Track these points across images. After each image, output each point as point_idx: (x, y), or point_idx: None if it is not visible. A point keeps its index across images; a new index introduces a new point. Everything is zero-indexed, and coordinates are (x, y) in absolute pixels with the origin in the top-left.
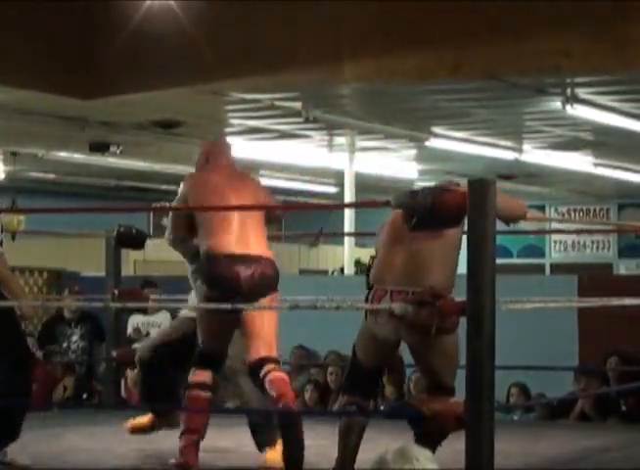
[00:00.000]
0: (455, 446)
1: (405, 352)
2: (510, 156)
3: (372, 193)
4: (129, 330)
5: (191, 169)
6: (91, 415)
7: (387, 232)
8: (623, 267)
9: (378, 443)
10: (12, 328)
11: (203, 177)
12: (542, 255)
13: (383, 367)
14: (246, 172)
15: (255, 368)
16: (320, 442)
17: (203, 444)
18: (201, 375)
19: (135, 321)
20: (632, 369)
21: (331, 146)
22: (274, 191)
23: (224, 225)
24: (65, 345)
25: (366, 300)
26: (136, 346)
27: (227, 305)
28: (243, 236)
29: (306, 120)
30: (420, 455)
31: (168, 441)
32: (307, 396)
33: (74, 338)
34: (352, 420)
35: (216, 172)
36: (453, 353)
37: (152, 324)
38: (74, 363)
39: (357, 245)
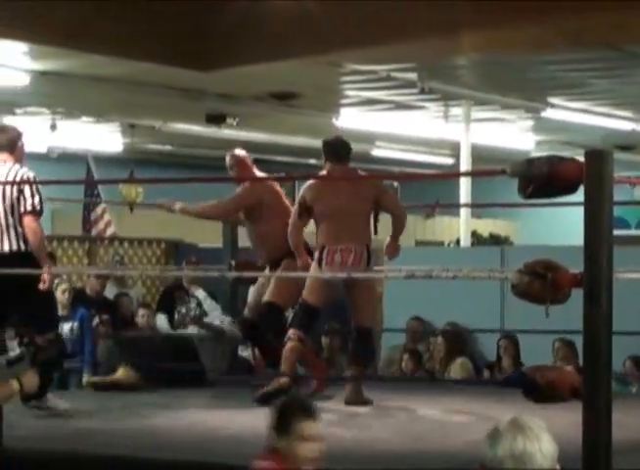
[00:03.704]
0: (571, 416)
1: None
2: (628, 126)
3: (488, 164)
4: (249, 299)
5: (306, 141)
6: (205, 385)
7: None
8: None
9: (494, 413)
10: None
11: None
12: None
13: None
14: None
15: None
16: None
17: None
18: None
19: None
20: None
21: (447, 117)
22: (390, 162)
23: None
24: (183, 310)
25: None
26: None
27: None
28: None
29: (422, 91)
30: (533, 425)
31: None
32: (403, 364)
33: (192, 305)
34: None
35: None
36: None
37: None
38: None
39: (474, 216)
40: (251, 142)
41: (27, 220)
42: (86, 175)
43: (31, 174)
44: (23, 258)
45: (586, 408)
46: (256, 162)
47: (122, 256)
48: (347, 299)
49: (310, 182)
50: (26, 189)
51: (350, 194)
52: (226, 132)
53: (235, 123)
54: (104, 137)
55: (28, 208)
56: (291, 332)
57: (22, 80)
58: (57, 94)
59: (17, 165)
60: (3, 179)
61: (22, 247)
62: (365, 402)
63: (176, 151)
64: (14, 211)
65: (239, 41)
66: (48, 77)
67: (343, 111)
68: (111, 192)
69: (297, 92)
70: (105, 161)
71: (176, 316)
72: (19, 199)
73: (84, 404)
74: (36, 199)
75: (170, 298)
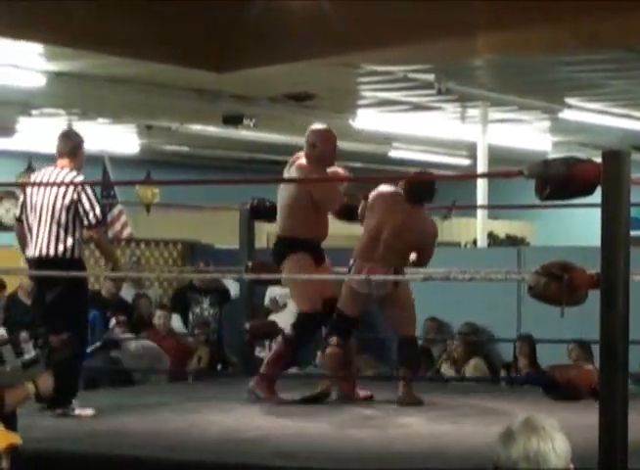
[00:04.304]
0: (587, 417)
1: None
2: None
3: (505, 165)
4: (266, 301)
5: None
6: (225, 386)
7: None
8: None
9: (509, 413)
10: (82, 300)
11: None
12: None
13: None
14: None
15: None
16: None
17: None
18: None
19: (273, 293)
20: None
21: (464, 118)
22: (407, 163)
23: None
24: (197, 310)
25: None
26: (272, 317)
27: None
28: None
29: (439, 92)
30: (546, 424)
31: (301, 412)
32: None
33: (205, 305)
34: None
35: None
36: None
37: (289, 296)
38: (209, 334)
39: (490, 217)
40: (267, 143)
41: (95, 233)
42: (102, 176)
43: (87, 187)
44: (67, 264)
45: (603, 409)
46: (273, 163)
47: (139, 256)
48: (384, 313)
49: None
50: (84, 200)
51: (404, 228)
52: (243, 133)
53: (252, 124)
54: (120, 138)
55: (92, 220)
56: (331, 338)
57: (38, 81)
58: (72, 95)
59: (73, 173)
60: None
61: (62, 253)
62: (418, 403)
63: (193, 152)
64: (62, 217)
65: (255, 42)
66: (63, 78)
67: (360, 112)
68: (127, 193)
69: (314, 93)
70: (121, 162)
71: (190, 317)
72: (73, 208)
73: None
74: (97, 210)
75: (183, 298)
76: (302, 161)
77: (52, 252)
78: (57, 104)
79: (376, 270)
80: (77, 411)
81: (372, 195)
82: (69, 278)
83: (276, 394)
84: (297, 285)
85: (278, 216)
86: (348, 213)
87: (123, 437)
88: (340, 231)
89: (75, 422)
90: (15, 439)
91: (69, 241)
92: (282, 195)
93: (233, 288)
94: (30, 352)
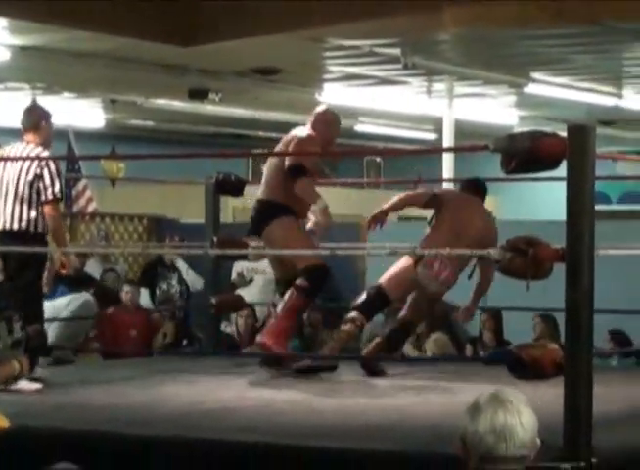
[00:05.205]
0: (554, 391)
1: None
2: (610, 101)
3: (471, 140)
4: (233, 276)
5: (289, 116)
6: (190, 360)
7: None
8: None
9: (475, 388)
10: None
11: None
12: None
13: None
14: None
15: None
16: None
17: None
18: None
19: (239, 267)
20: None
21: (430, 92)
22: (373, 137)
23: None
24: (165, 287)
25: None
26: (239, 292)
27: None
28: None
29: (405, 67)
30: (514, 398)
31: (268, 385)
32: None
33: (173, 282)
34: None
35: None
36: None
37: (256, 270)
38: (175, 310)
39: None
40: (233, 118)
41: (49, 209)
42: (67, 151)
43: (51, 163)
44: (30, 238)
45: (568, 382)
46: (239, 137)
47: (107, 232)
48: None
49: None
50: (46, 175)
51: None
52: (208, 108)
53: (217, 99)
54: (85, 113)
55: (49, 196)
56: (356, 315)
57: (2, 55)
58: (37, 69)
59: (39, 148)
60: (21, 160)
61: (25, 227)
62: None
63: (158, 126)
64: (26, 192)
65: (221, 16)
66: (28, 52)
67: (327, 86)
68: (92, 168)
69: (280, 67)
70: (86, 136)
71: (157, 292)
72: (36, 184)
73: (59, 378)
74: (57, 186)
75: (152, 273)
76: (307, 132)
77: (15, 226)
78: (21, 78)
79: (446, 267)
80: (21, 385)
81: (449, 192)
82: (31, 252)
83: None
84: (298, 242)
85: (264, 182)
86: None
87: (88, 411)
88: None
89: (38, 396)
90: (2, 421)
91: (33, 215)
92: (272, 161)
93: (195, 281)
94: (18, 333)
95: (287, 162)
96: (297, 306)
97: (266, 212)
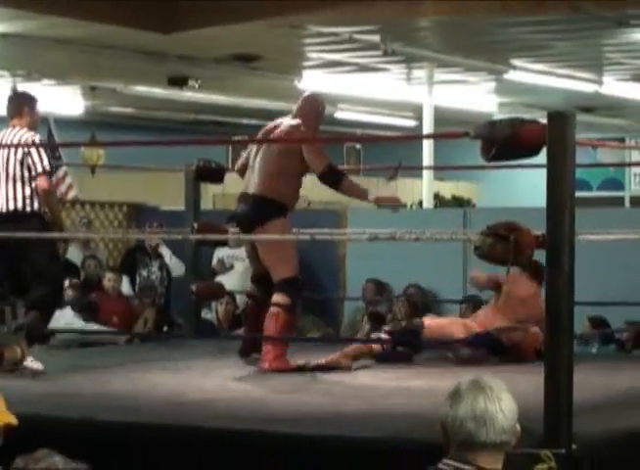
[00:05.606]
0: (534, 378)
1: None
2: (590, 88)
3: (451, 126)
4: (214, 262)
5: (268, 103)
6: (171, 348)
7: None
8: None
9: (456, 374)
10: (53, 256)
11: None
12: (622, 188)
13: None
14: None
15: None
16: None
17: None
18: None
19: (220, 254)
20: None
21: (409, 79)
22: (353, 124)
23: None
24: (144, 274)
25: None
26: (219, 278)
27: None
28: (251, 176)
29: (385, 53)
30: (494, 385)
31: (250, 372)
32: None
33: (154, 269)
34: None
35: None
36: None
37: (236, 257)
38: (155, 296)
39: (436, 178)
40: (212, 104)
41: (41, 181)
42: (47, 138)
43: (36, 138)
44: (27, 217)
45: (548, 369)
46: (218, 124)
47: (89, 218)
48: None
49: None
50: (33, 151)
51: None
52: (188, 95)
53: (197, 86)
54: (65, 100)
55: (39, 169)
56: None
57: None
58: (16, 56)
59: (22, 130)
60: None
61: (21, 207)
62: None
63: (138, 113)
64: (17, 170)
65: (201, 3)
66: (7, 39)
67: (306, 73)
68: (72, 155)
69: (260, 54)
70: (66, 123)
71: (138, 279)
72: (25, 161)
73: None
74: (45, 161)
75: (132, 260)
76: (296, 122)
77: (12, 205)
78: (0, 65)
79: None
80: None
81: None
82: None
83: (292, 363)
84: (283, 250)
85: (259, 176)
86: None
87: (71, 398)
88: None
89: (23, 383)
90: (11, 418)
91: (27, 191)
92: (267, 154)
93: (178, 267)
94: (22, 318)
95: (314, 167)
96: (288, 323)
97: (262, 212)
